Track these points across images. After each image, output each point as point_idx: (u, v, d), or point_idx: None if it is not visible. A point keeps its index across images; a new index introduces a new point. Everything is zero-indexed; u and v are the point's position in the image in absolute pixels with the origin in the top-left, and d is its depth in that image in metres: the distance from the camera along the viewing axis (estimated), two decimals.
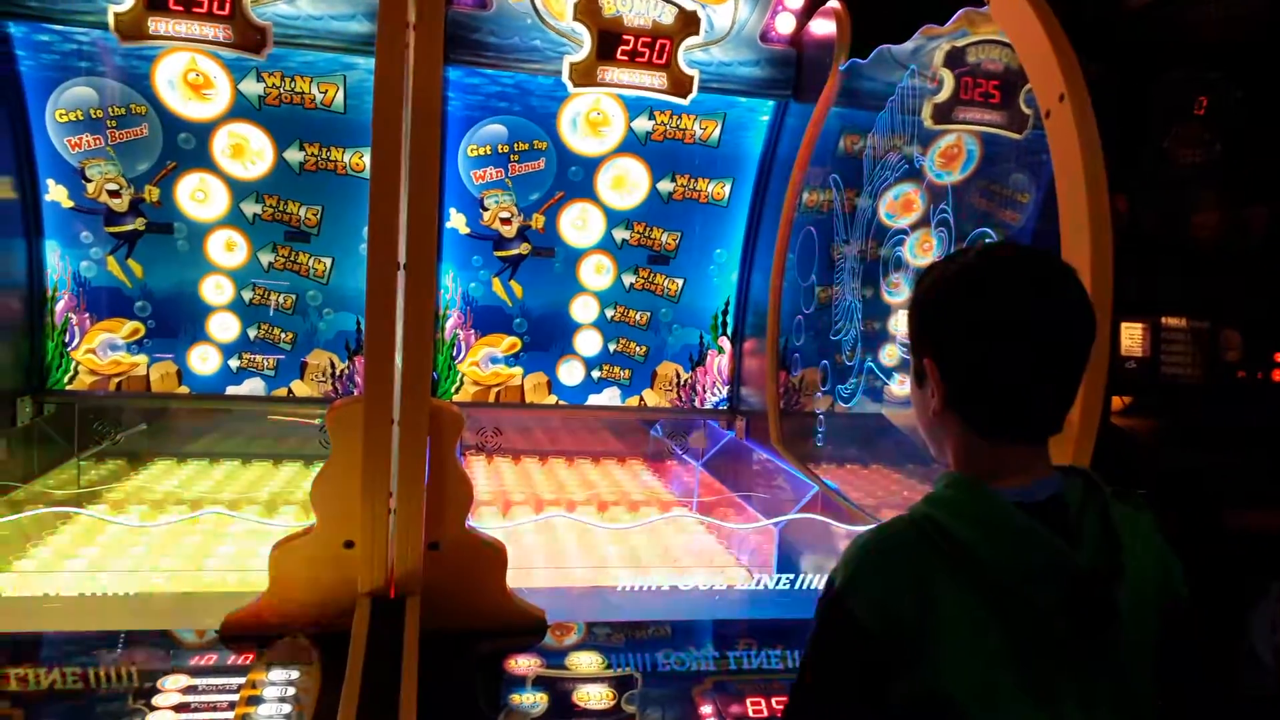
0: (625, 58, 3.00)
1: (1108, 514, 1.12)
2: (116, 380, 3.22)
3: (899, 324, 2.76)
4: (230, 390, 3.31)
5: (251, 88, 3.07)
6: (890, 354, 2.79)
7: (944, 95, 2.51)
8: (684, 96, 3.09)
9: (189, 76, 3.00)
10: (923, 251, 2.64)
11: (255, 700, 1.59)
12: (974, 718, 1.05)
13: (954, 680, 1.05)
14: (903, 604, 1.07)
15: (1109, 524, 1.12)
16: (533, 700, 1.68)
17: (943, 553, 1.09)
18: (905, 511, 1.17)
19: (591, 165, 3.38)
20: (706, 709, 1.70)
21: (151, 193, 3.11)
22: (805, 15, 3.16)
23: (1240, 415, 3.06)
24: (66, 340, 3.17)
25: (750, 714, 1.70)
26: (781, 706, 1.68)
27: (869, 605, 1.08)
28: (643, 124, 3.34)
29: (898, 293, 2.76)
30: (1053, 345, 1.12)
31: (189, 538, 2.61)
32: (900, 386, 2.73)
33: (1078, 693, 1.08)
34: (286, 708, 1.57)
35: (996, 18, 2.00)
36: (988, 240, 2.28)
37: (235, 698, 1.59)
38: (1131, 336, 3.16)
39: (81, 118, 3.00)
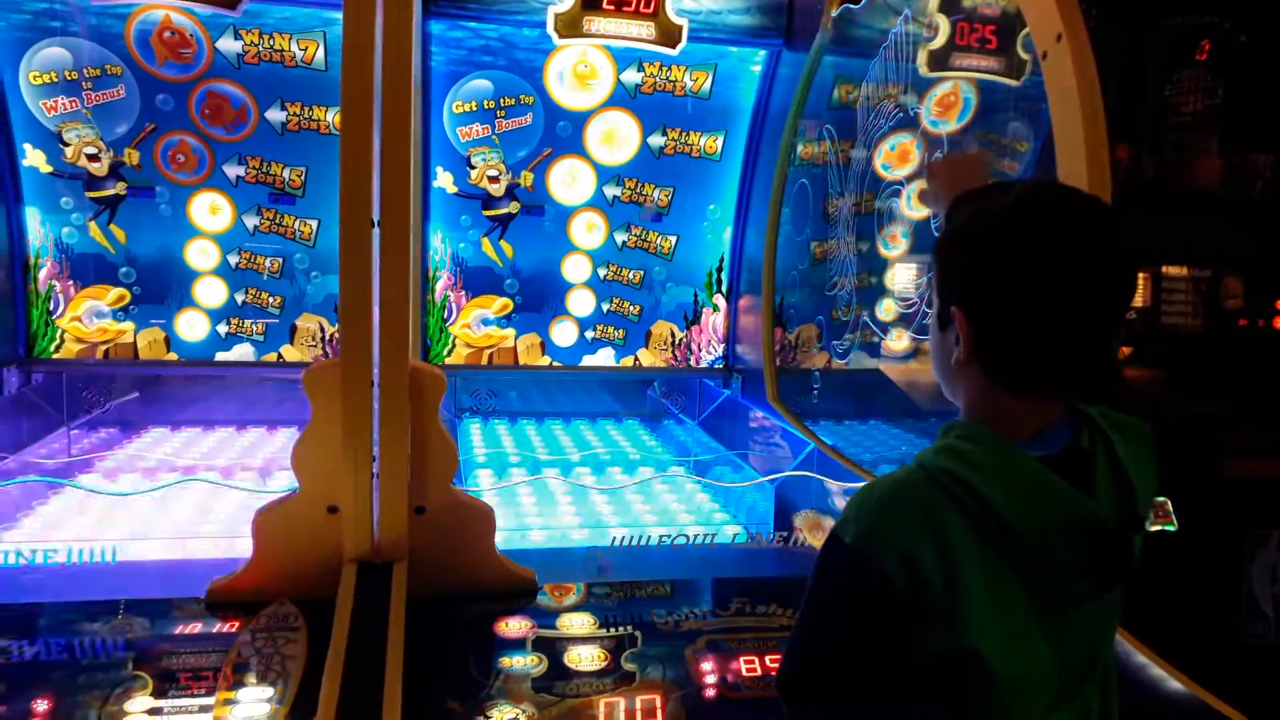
0: (611, 7, 2.92)
1: (1117, 459, 1.09)
2: (104, 348, 3.18)
3: (895, 278, 2.71)
4: (220, 356, 3.28)
5: (229, 46, 2.99)
6: (887, 309, 2.75)
7: (939, 41, 2.44)
8: (673, 47, 3.01)
9: (164, 35, 2.93)
10: (919, 203, 2.59)
11: (241, 668, 1.57)
12: (997, 666, 1.03)
13: (978, 631, 1.03)
14: (926, 556, 1.03)
15: (1121, 471, 1.09)
16: (526, 663, 1.66)
17: (960, 505, 1.05)
18: (913, 462, 1.13)
19: (580, 120, 3.31)
20: (701, 667, 1.68)
21: (131, 156, 3.05)
22: None
23: (1242, 363, 3.02)
24: (51, 308, 3.13)
25: (744, 672, 1.68)
26: (775, 664, 1.66)
27: (893, 558, 1.03)
28: (632, 76, 3.27)
29: (894, 246, 2.70)
30: (1101, 300, 1.03)
31: (179, 506, 2.59)
32: (897, 341, 2.69)
33: (1082, 637, 1.09)
34: (272, 676, 1.55)
35: None
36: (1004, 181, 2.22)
37: (220, 666, 1.57)
38: None
39: (56, 80, 2.93)
